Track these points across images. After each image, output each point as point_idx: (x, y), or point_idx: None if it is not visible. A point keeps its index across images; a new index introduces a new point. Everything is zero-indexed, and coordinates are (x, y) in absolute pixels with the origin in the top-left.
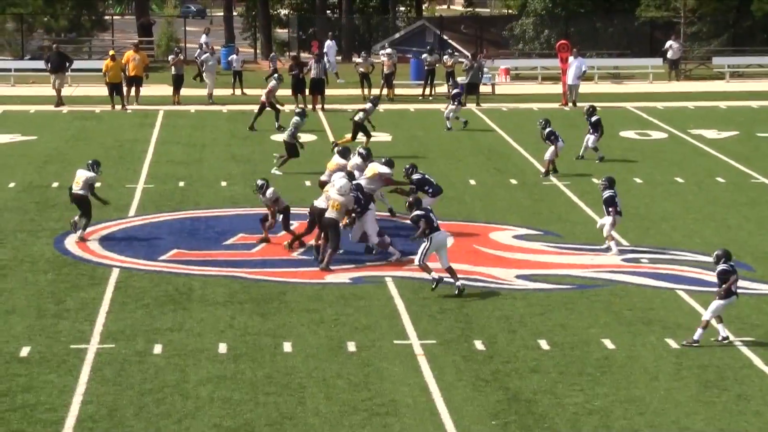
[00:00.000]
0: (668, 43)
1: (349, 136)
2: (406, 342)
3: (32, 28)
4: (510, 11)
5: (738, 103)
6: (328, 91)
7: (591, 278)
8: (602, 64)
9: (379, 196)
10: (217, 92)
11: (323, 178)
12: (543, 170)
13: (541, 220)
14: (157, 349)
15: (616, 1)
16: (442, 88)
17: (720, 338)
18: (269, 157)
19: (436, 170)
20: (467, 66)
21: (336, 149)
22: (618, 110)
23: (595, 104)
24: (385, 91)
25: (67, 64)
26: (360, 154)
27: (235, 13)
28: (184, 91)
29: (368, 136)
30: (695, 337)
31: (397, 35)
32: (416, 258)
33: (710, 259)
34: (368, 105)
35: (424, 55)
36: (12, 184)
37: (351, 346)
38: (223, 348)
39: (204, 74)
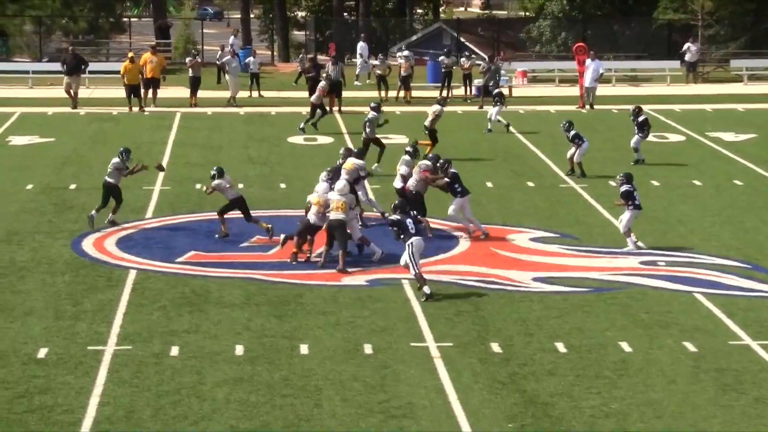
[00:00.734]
0: (686, 46)
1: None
2: (423, 344)
3: (51, 31)
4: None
5: (756, 105)
6: (345, 93)
7: (608, 281)
8: (619, 66)
9: (364, 199)
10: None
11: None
12: (569, 168)
13: (558, 223)
14: (174, 350)
15: (633, 3)
16: (459, 91)
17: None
18: (286, 158)
19: None
20: (484, 68)
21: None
22: None
23: (613, 107)
24: (401, 94)
25: (83, 66)
26: (408, 152)
27: (252, 16)
28: (201, 93)
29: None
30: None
31: (414, 38)
32: (410, 269)
33: (728, 262)
34: (436, 107)
35: (441, 58)
36: (30, 186)
37: (367, 349)
38: (239, 350)
39: (227, 77)
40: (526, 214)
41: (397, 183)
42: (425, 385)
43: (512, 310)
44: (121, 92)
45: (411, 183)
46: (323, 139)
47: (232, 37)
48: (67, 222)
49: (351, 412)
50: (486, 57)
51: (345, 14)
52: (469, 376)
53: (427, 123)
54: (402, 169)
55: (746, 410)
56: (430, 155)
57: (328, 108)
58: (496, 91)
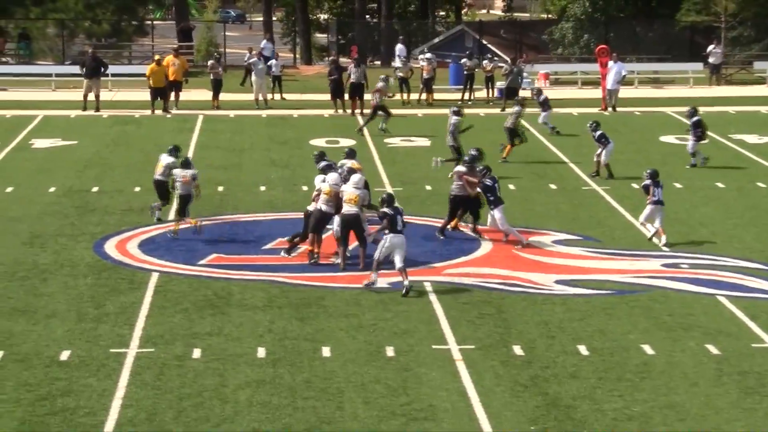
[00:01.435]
0: (710, 48)
1: (509, 143)
2: (445, 347)
3: (74, 34)
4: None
5: None
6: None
7: (630, 284)
8: (642, 68)
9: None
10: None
11: None
12: (594, 170)
13: (581, 225)
14: (196, 353)
15: (656, 5)
16: (481, 93)
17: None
18: (307, 161)
19: None
20: (507, 71)
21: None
22: (658, 115)
23: (635, 109)
24: (423, 96)
25: (102, 69)
26: (472, 155)
27: (274, 18)
28: (224, 96)
29: (517, 140)
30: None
31: (436, 40)
32: (375, 253)
33: (751, 264)
34: (516, 107)
35: (464, 60)
36: (52, 189)
37: (389, 351)
38: (261, 352)
39: (253, 79)
40: (548, 217)
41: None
42: (447, 387)
43: (534, 313)
44: (142, 95)
45: (453, 188)
46: (345, 142)
47: (264, 41)
48: (90, 224)
49: (373, 415)
50: (508, 59)
51: (367, 17)
52: (491, 378)
53: (507, 124)
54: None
55: None
56: (467, 157)
57: (350, 111)
58: (543, 97)
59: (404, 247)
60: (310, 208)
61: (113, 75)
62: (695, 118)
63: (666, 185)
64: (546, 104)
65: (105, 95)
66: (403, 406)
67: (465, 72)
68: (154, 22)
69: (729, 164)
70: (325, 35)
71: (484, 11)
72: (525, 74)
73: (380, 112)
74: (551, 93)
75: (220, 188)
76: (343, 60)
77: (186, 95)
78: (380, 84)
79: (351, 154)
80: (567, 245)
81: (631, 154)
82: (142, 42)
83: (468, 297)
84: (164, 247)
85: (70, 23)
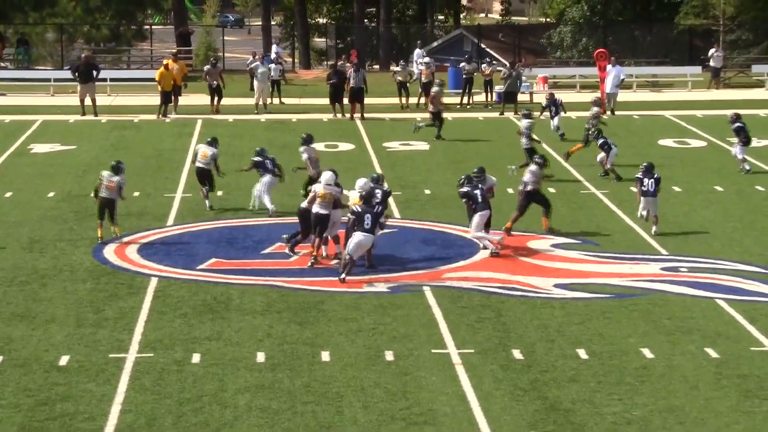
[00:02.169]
0: (711, 51)
1: (579, 144)
2: (444, 351)
3: (73, 38)
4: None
5: None
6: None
7: (630, 287)
8: (641, 72)
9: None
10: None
11: None
12: (602, 171)
13: (579, 229)
14: (196, 358)
15: (654, 9)
16: (480, 97)
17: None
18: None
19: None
20: (505, 74)
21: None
22: (657, 118)
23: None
24: (422, 100)
25: (95, 74)
26: (537, 163)
27: (273, 23)
28: (223, 101)
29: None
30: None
31: (435, 44)
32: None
33: (750, 268)
34: (595, 109)
35: (462, 64)
36: (51, 194)
37: (389, 355)
38: (261, 357)
39: (255, 83)
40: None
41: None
42: (447, 391)
43: (534, 317)
44: (141, 99)
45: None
46: (344, 146)
47: (275, 46)
48: (89, 229)
49: (372, 419)
50: (507, 63)
51: (366, 21)
52: (491, 382)
53: (587, 125)
54: (526, 176)
55: None
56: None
57: (348, 115)
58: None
59: (366, 245)
60: (303, 205)
61: (112, 80)
62: (737, 125)
63: (665, 189)
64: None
65: (104, 100)
66: (403, 410)
67: (464, 76)
68: (153, 27)
69: (728, 168)
70: (324, 39)
71: (483, 15)
72: (524, 78)
73: (436, 120)
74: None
75: (220, 192)
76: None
77: (185, 100)
78: (435, 89)
79: (308, 140)
80: (566, 249)
81: (629, 158)
82: (141, 47)
83: (467, 301)
84: (163, 252)
85: (69, 28)
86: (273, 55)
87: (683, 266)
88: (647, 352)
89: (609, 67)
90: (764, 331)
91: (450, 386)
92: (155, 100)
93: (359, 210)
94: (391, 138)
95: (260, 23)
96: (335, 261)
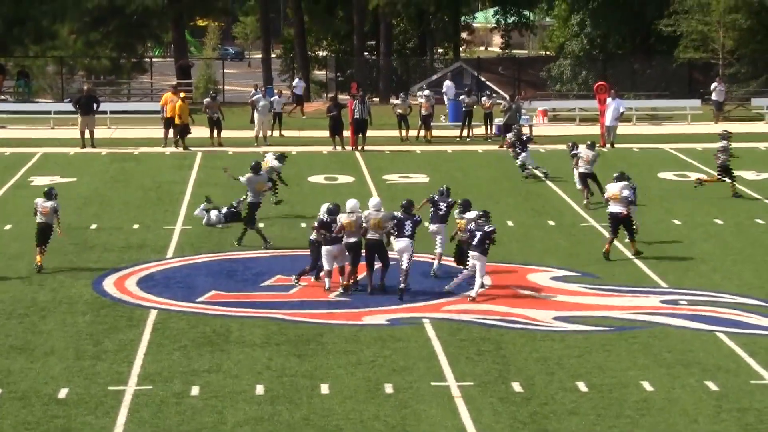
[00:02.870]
0: (713, 85)
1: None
2: (444, 384)
3: (73, 71)
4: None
5: None
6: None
7: (629, 320)
8: (640, 105)
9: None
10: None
11: None
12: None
13: (579, 262)
14: (195, 390)
15: (654, 42)
16: (480, 130)
17: None
18: (307, 197)
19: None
20: (505, 107)
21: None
22: (656, 151)
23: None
24: (422, 133)
25: (95, 106)
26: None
27: (273, 55)
28: (226, 133)
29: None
30: None
31: (434, 77)
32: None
33: (750, 301)
34: (723, 142)
35: (462, 97)
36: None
37: (388, 388)
38: (260, 389)
39: (255, 116)
40: (546, 253)
41: (614, 207)
42: (446, 424)
43: (533, 349)
44: (141, 132)
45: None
46: (344, 178)
47: (297, 79)
48: (89, 262)
49: None
50: (507, 96)
51: (366, 53)
52: (490, 415)
53: (721, 158)
54: (625, 192)
55: None
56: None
57: (349, 147)
58: (526, 137)
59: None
60: (312, 237)
61: (112, 112)
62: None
63: (664, 221)
64: (525, 144)
65: (104, 132)
66: None
67: (463, 109)
68: (153, 60)
69: (727, 201)
70: (324, 72)
71: (483, 48)
72: (523, 111)
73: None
74: (550, 130)
75: (219, 225)
76: (342, 97)
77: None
78: (510, 136)
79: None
80: (565, 281)
81: None
82: (141, 79)
83: (467, 333)
84: (163, 284)
85: (69, 60)
86: (296, 89)
87: (683, 299)
88: (647, 385)
89: (609, 100)
90: (764, 365)
91: (449, 419)
92: (155, 132)
93: (401, 216)
94: (391, 170)
95: (260, 56)
96: (336, 293)
